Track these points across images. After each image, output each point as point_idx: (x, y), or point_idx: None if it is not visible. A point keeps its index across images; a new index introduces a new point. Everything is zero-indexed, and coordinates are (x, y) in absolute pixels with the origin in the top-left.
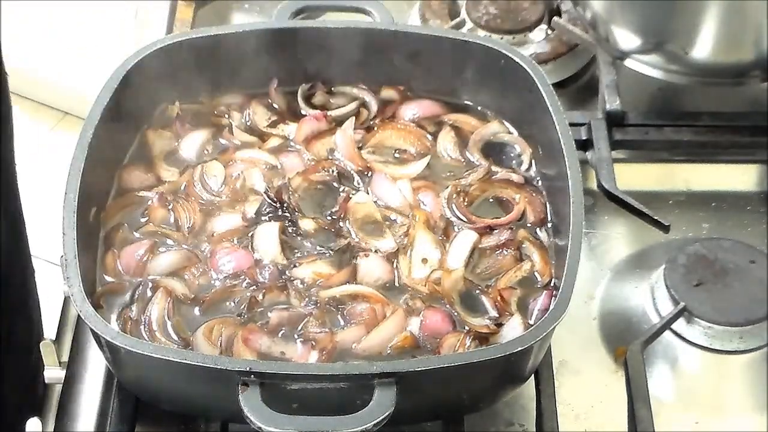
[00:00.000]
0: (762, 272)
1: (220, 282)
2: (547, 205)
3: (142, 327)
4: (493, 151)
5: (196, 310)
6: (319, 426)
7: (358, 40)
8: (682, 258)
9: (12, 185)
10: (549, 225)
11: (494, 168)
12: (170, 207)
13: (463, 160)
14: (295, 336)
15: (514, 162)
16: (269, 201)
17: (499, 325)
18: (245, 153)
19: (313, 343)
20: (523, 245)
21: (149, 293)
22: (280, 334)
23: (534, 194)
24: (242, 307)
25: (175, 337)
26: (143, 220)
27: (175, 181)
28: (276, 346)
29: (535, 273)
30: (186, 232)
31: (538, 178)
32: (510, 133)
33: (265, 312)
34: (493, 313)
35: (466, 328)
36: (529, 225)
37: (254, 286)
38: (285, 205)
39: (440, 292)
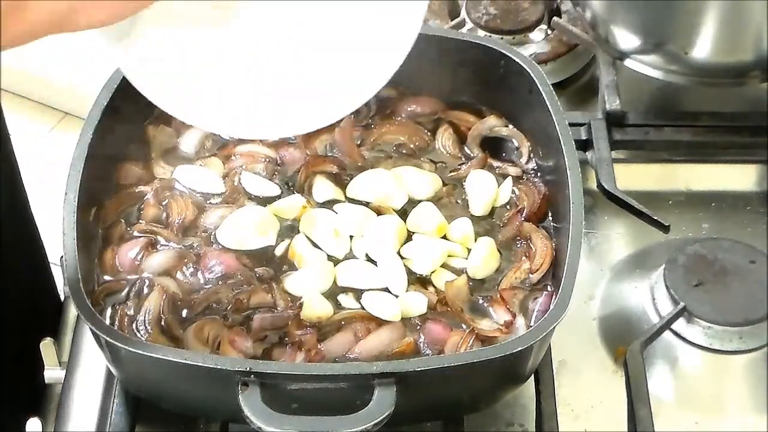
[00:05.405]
0: (762, 272)
1: (211, 282)
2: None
3: (137, 324)
4: (492, 149)
5: (186, 310)
6: (319, 426)
7: None
8: (682, 258)
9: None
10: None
11: (492, 162)
12: (164, 204)
13: (462, 157)
14: (278, 338)
15: (513, 156)
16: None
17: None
18: (245, 147)
19: (300, 345)
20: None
21: (146, 291)
22: (264, 338)
23: (532, 187)
24: (228, 308)
25: (169, 336)
26: (138, 217)
27: (168, 178)
28: (260, 349)
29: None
30: (176, 229)
31: (537, 172)
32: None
33: (251, 314)
34: (507, 317)
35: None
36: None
37: (242, 287)
38: None
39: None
